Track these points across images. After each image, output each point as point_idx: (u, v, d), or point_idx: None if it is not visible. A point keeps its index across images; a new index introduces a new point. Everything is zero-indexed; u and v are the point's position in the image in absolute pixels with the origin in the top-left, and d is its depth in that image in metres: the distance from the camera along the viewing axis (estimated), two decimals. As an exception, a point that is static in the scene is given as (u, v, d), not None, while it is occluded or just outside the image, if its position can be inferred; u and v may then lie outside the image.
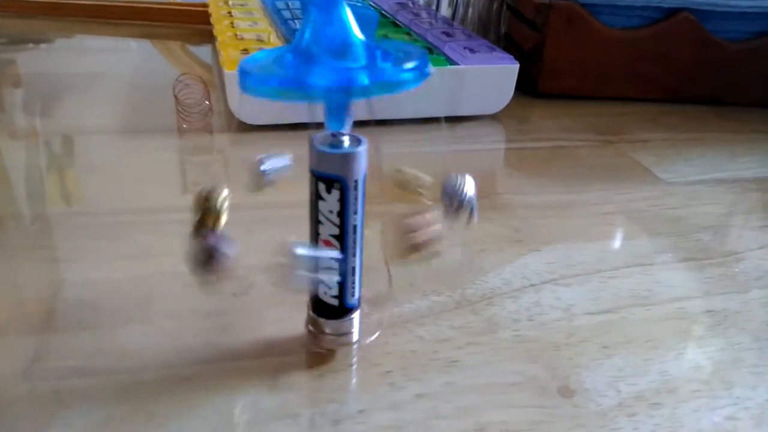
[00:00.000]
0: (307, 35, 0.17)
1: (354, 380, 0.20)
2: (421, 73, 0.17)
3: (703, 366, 0.22)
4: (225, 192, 0.19)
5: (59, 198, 0.30)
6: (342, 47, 0.17)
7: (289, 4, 0.52)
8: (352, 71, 0.17)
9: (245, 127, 0.38)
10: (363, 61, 0.17)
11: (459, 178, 0.20)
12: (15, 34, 0.58)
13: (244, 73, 0.17)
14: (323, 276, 0.19)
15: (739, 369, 0.22)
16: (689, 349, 0.23)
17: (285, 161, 0.19)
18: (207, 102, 0.38)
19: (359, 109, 0.19)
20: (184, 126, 0.38)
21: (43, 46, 0.56)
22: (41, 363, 0.20)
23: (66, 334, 0.21)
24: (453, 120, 0.42)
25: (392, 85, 0.17)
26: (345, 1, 0.17)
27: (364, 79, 0.16)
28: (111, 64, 0.51)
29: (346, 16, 0.17)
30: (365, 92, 0.17)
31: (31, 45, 0.56)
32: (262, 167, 0.19)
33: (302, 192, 0.19)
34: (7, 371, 0.20)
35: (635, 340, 0.23)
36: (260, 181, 0.19)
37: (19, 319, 0.22)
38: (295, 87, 0.17)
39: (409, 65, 0.17)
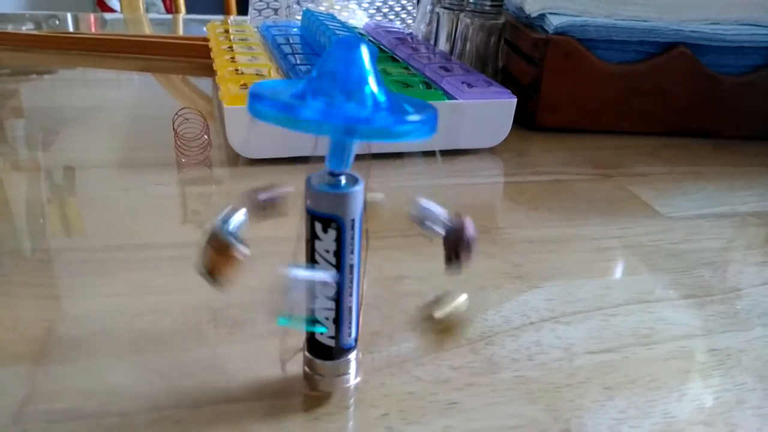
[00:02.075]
0: (323, 70, 0.17)
1: (351, 423, 0.20)
2: (428, 128, 0.17)
3: (707, 407, 0.21)
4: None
5: (54, 233, 0.30)
6: (355, 90, 0.17)
7: (290, 39, 0.53)
8: (359, 112, 0.17)
9: (244, 161, 0.38)
10: (370, 103, 0.17)
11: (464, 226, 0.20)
12: (18, 66, 0.58)
13: (254, 96, 0.17)
14: (318, 301, 0.19)
15: (743, 411, 0.21)
16: (692, 389, 0.22)
17: (282, 190, 0.19)
18: (206, 136, 0.38)
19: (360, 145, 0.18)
20: (183, 160, 0.38)
21: (46, 77, 0.57)
22: (32, 406, 0.20)
23: (56, 375, 0.21)
24: (452, 153, 0.42)
25: (395, 133, 0.16)
26: (365, 44, 0.17)
27: (368, 121, 0.16)
28: (112, 97, 0.52)
29: (364, 59, 0.17)
30: (367, 135, 0.17)
31: (34, 76, 0.56)
32: (259, 197, 0.19)
33: (292, 228, 0.19)
34: (-3, 414, 0.19)
35: (638, 380, 0.22)
36: (258, 213, 0.19)
37: (10, 359, 0.22)
38: (300, 118, 0.16)
39: (416, 117, 0.17)
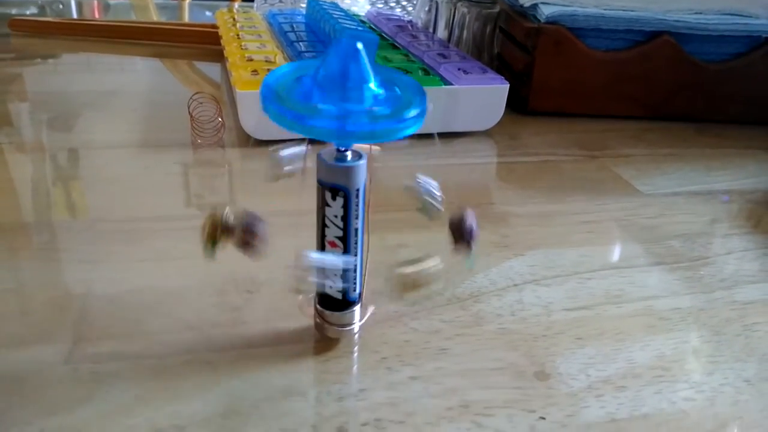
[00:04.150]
0: (327, 68, 0.20)
1: (355, 365, 0.23)
2: (416, 120, 0.20)
3: (666, 355, 0.25)
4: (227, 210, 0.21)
5: (85, 207, 0.33)
6: (354, 90, 0.20)
7: (294, 26, 0.56)
8: (356, 118, 0.19)
9: (255, 142, 0.41)
10: (369, 103, 0.20)
11: (464, 216, 0.22)
12: (28, 51, 0.61)
13: (266, 98, 0.20)
14: (331, 279, 0.22)
15: (698, 358, 0.25)
16: (654, 341, 0.25)
17: (301, 149, 0.22)
18: (220, 119, 0.41)
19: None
20: (199, 141, 0.41)
21: (56, 62, 0.59)
22: (79, 349, 0.23)
23: (98, 326, 0.24)
24: (448, 136, 0.45)
25: (390, 134, 0.19)
26: (362, 44, 0.20)
27: (366, 127, 0.19)
28: (125, 82, 0.55)
29: (365, 60, 0.20)
30: (365, 138, 0.20)
31: (45, 61, 0.59)
32: (281, 153, 0.22)
33: (305, 202, 0.22)
34: (51, 356, 0.22)
35: (606, 333, 0.26)
36: (279, 170, 0.22)
37: (56, 313, 0.25)
38: (306, 127, 0.19)
39: (411, 114, 0.20)
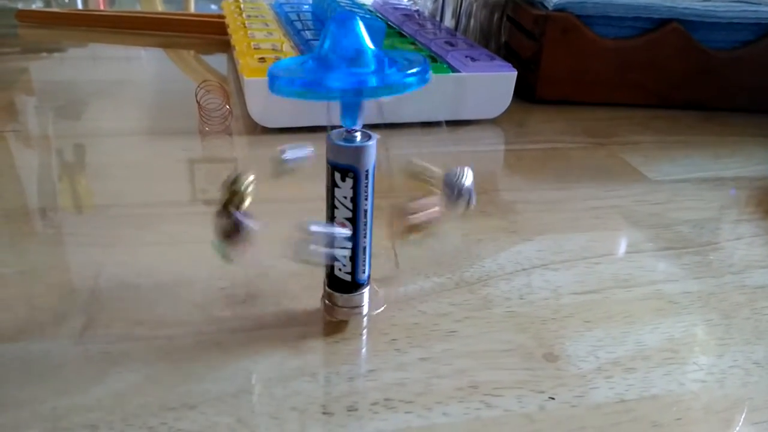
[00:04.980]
0: (326, 45, 0.20)
1: (364, 346, 0.23)
2: (422, 78, 0.20)
3: (676, 338, 0.25)
4: (250, 177, 0.22)
5: (93, 192, 0.33)
6: (355, 55, 0.20)
7: (300, 15, 0.56)
8: (363, 75, 0.20)
9: (262, 130, 0.41)
10: (373, 67, 0.20)
11: (459, 170, 0.22)
12: (38, 43, 0.61)
13: (272, 77, 0.20)
14: (335, 252, 0.22)
15: (707, 341, 0.25)
16: (664, 324, 0.25)
17: (306, 151, 0.22)
18: (227, 106, 0.41)
19: (370, 112, 0.21)
20: (206, 129, 0.41)
21: (64, 54, 0.59)
22: (91, 331, 0.23)
23: (110, 307, 0.24)
24: (456, 124, 0.45)
25: (397, 87, 0.19)
26: (358, 17, 0.20)
27: (373, 82, 0.19)
28: (132, 72, 0.55)
29: (360, 29, 0.20)
30: (374, 93, 0.20)
31: (51, 53, 0.59)
32: (284, 156, 0.22)
33: (315, 189, 0.22)
34: (63, 337, 0.23)
35: (615, 316, 0.26)
36: (281, 168, 0.22)
37: (68, 295, 0.25)
38: (315, 89, 0.19)
39: (412, 71, 0.20)
